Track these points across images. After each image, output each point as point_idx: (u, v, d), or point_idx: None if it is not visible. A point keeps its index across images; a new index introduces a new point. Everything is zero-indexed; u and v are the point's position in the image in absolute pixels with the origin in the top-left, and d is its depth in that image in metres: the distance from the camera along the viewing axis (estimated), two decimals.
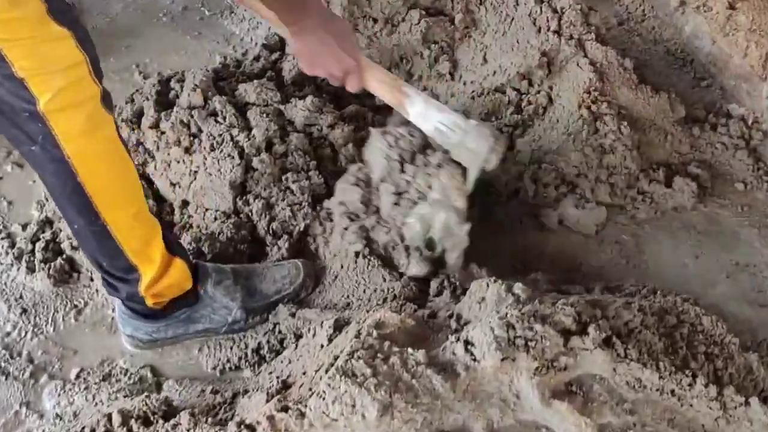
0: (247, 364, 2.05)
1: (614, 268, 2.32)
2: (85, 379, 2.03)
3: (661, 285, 2.21)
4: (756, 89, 2.71)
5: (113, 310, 2.11)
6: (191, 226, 2.31)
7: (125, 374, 2.03)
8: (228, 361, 2.06)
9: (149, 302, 1.96)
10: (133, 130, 2.47)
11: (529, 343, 1.71)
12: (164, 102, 2.55)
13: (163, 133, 2.42)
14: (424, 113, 2.14)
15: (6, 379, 2.03)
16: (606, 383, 1.76)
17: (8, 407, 1.99)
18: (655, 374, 1.76)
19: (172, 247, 1.95)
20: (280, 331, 2.09)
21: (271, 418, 1.62)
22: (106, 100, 1.71)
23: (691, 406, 1.77)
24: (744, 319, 2.16)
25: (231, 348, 2.09)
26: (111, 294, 2.02)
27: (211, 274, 2.06)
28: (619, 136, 2.44)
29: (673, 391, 1.76)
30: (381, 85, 2.16)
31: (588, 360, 1.75)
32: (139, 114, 2.52)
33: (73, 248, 2.25)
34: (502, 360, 1.69)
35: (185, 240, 2.23)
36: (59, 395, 1.99)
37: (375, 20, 2.77)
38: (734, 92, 2.80)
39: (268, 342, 2.08)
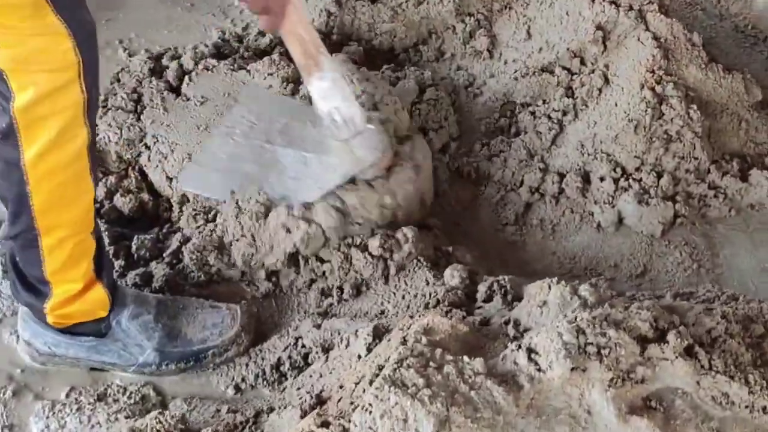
0: (265, 382, 2.08)
1: (684, 274, 2.35)
2: (77, 399, 2.04)
3: (740, 292, 2.20)
4: None
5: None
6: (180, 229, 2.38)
7: (124, 393, 2.05)
8: (243, 380, 2.10)
9: (50, 320, 1.97)
10: (130, 114, 2.55)
11: (602, 351, 1.75)
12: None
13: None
14: (326, 93, 2.19)
15: None
16: (689, 398, 1.79)
17: None
18: (744, 388, 1.78)
19: (101, 271, 1.97)
20: (303, 345, 2.12)
21: None
22: (91, 109, 1.74)
23: None
24: None
25: (246, 365, 2.12)
26: (12, 293, 2.03)
27: (129, 305, 2.05)
28: (688, 122, 2.48)
29: (765, 408, 1.79)
30: (297, 42, 2.18)
31: (668, 371, 1.78)
32: (137, 99, 2.59)
33: None
34: (572, 370, 1.73)
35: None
36: (48, 417, 2.01)
37: None
38: None
39: (289, 357, 2.10)
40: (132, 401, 2.04)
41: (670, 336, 1.81)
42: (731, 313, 2.00)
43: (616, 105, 2.55)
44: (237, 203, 2.23)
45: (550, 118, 2.59)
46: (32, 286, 1.93)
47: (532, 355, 1.78)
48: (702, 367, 1.81)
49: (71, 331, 2.02)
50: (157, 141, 2.49)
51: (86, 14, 1.70)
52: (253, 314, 2.20)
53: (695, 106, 2.52)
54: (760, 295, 2.21)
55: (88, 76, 1.68)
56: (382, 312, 2.17)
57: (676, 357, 1.80)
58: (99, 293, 1.97)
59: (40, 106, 1.65)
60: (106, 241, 2.28)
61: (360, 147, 2.18)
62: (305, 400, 1.87)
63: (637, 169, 2.47)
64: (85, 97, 1.69)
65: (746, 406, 1.80)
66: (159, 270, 2.25)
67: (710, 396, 1.80)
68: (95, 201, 2.35)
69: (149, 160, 2.47)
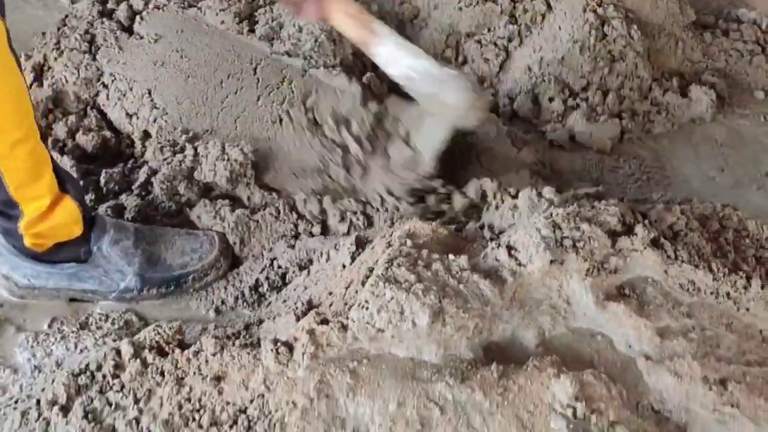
0: (245, 303, 2.14)
1: (635, 185, 2.45)
2: (59, 328, 2.07)
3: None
4: None
5: None
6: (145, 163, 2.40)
7: (106, 320, 2.08)
8: (223, 302, 2.15)
9: (28, 241, 1.98)
10: (85, 54, 2.56)
11: (578, 244, 1.84)
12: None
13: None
14: (393, 56, 2.18)
15: None
16: (659, 286, 1.89)
17: None
18: (709, 276, 1.90)
19: (65, 184, 1.96)
20: (279, 266, 2.18)
21: (311, 332, 1.71)
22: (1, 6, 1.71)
23: (747, 310, 1.90)
24: None
25: (225, 288, 2.17)
26: None
27: (109, 230, 2.06)
28: (630, 42, 2.57)
29: (728, 294, 1.90)
30: (346, 19, 2.17)
31: (638, 261, 1.89)
32: (90, 39, 2.61)
33: None
34: (551, 263, 1.82)
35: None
36: (33, 347, 2.04)
37: None
38: None
39: (267, 278, 2.16)
40: (116, 326, 2.07)
41: (638, 229, 1.90)
42: (689, 210, 2.11)
43: (560, 28, 2.62)
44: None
45: (496, 45, 2.66)
46: (2, 212, 1.93)
47: (512, 252, 1.85)
48: (668, 257, 1.90)
49: (52, 259, 2.03)
50: (115, 79, 2.50)
51: None
52: (229, 242, 2.23)
53: (635, 28, 2.60)
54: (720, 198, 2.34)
55: None
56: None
57: (645, 248, 1.89)
58: (69, 205, 1.97)
59: None
60: (75, 176, 2.31)
61: (450, 94, 2.13)
62: (297, 307, 1.94)
63: (584, 89, 2.55)
64: None
65: (711, 293, 1.90)
66: (130, 201, 2.28)
67: (678, 284, 1.89)
68: (58, 140, 2.39)
69: (108, 98, 2.49)
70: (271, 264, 2.20)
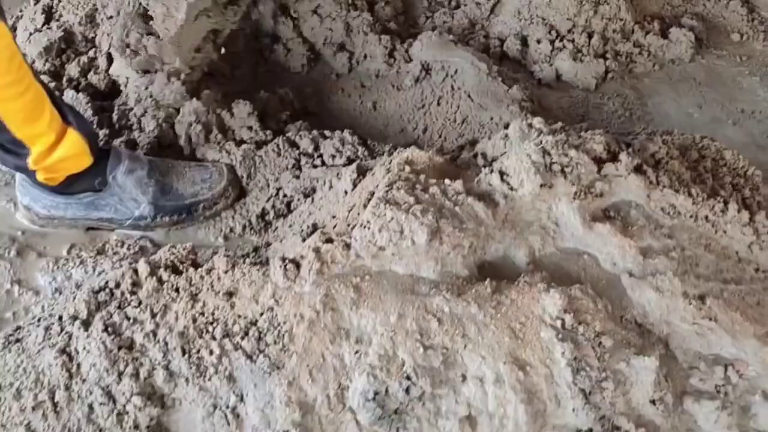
0: (252, 231, 2.16)
1: (618, 121, 2.47)
2: (78, 254, 2.10)
3: None
4: None
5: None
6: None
7: (122, 246, 2.11)
8: (231, 230, 2.17)
9: (40, 176, 2.00)
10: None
11: (566, 169, 1.86)
12: None
13: None
14: None
15: None
16: (642, 209, 1.92)
17: None
18: (689, 200, 1.92)
19: (67, 116, 1.97)
20: (285, 195, 2.19)
21: (317, 250, 1.74)
22: None
23: (725, 232, 1.93)
24: (757, 162, 2.30)
25: (233, 217, 2.19)
26: (3, 165, 2.06)
27: (124, 161, 2.08)
28: None
29: (707, 217, 1.93)
30: None
31: (622, 186, 1.91)
32: None
33: None
34: (541, 186, 1.84)
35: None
36: (53, 271, 2.07)
37: None
38: None
39: (273, 207, 2.18)
40: (132, 251, 2.10)
41: (622, 156, 1.92)
42: (670, 141, 2.13)
43: None
44: None
45: None
46: (10, 150, 1.94)
47: (504, 177, 1.87)
48: (651, 182, 1.92)
49: (68, 191, 2.05)
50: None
51: None
52: (237, 173, 2.24)
53: None
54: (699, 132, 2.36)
55: None
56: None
57: (629, 174, 1.91)
58: (73, 138, 1.96)
59: None
60: (89, 113, 2.32)
61: None
62: (303, 230, 1.96)
63: (570, 31, 2.56)
64: None
65: (691, 216, 1.92)
66: (142, 138, 2.28)
67: (659, 207, 1.91)
68: (72, 79, 2.39)
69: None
70: (277, 193, 2.21)
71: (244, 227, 2.18)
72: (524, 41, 2.57)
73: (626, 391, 1.74)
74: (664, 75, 2.59)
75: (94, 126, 2.28)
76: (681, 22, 2.67)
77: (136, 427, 1.67)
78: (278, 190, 2.21)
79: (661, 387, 1.74)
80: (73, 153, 1.99)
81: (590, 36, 2.56)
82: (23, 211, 2.12)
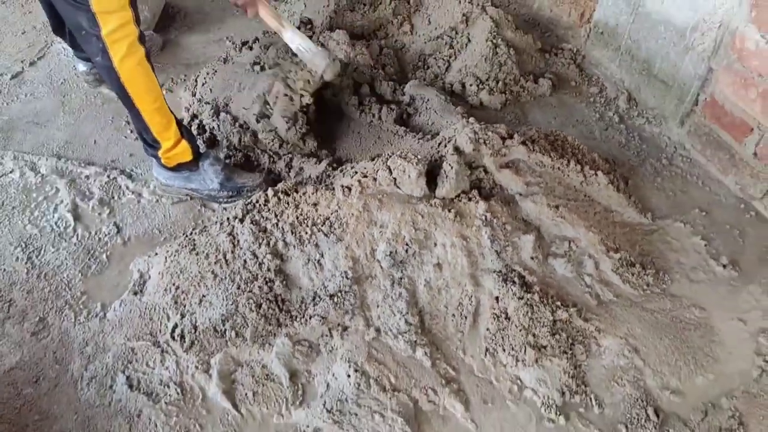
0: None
1: (513, 125, 2.42)
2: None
3: (542, 126, 2.31)
4: (576, 34, 2.87)
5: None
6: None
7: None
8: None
9: (164, 162, 1.92)
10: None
11: (486, 141, 1.90)
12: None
13: None
14: (291, 38, 2.11)
15: None
16: (525, 163, 1.95)
17: None
18: (549, 159, 1.96)
19: (183, 133, 1.89)
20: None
21: (359, 181, 1.78)
22: (141, 38, 1.65)
23: (568, 175, 1.98)
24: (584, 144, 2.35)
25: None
26: (146, 152, 1.95)
27: (210, 157, 1.97)
28: (509, 57, 2.56)
29: (559, 168, 1.97)
30: (268, 18, 2.09)
31: (515, 151, 1.94)
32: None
33: None
34: (473, 150, 1.88)
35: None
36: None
37: (364, 4, 2.82)
38: (564, 37, 2.93)
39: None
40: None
41: (515, 136, 1.94)
42: (540, 131, 2.10)
43: (474, 50, 2.60)
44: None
45: (443, 59, 2.65)
46: (152, 145, 1.89)
47: (456, 147, 1.90)
48: (530, 149, 1.96)
49: (177, 169, 1.97)
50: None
51: None
52: (268, 179, 2.07)
53: (512, 50, 2.59)
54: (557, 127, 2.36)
55: (136, 20, 1.63)
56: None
57: (518, 145, 1.94)
58: (184, 146, 1.90)
59: (115, 33, 1.60)
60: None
61: (318, 60, 2.11)
62: (349, 174, 1.97)
63: (486, 79, 2.55)
64: (137, 31, 1.64)
65: (550, 167, 1.94)
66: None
67: (534, 162, 1.96)
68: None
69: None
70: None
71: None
72: (463, 85, 2.57)
73: (518, 252, 1.78)
74: (536, 103, 2.57)
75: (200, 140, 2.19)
76: (544, 75, 2.67)
77: (268, 269, 1.71)
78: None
79: (536, 251, 1.79)
80: (182, 152, 1.92)
81: (497, 82, 2.56)
82: (155, 177, 2.02)
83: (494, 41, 2.61)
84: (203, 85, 2.35)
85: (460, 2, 2.76)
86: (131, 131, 2.29)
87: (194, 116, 2.29)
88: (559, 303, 1.70)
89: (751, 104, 2.04)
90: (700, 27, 2.13)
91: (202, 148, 2.14)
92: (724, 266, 1.89)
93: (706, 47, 2.13)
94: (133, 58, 1.65)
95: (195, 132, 2.23)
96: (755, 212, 2.11)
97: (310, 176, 2.04)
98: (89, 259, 1.88)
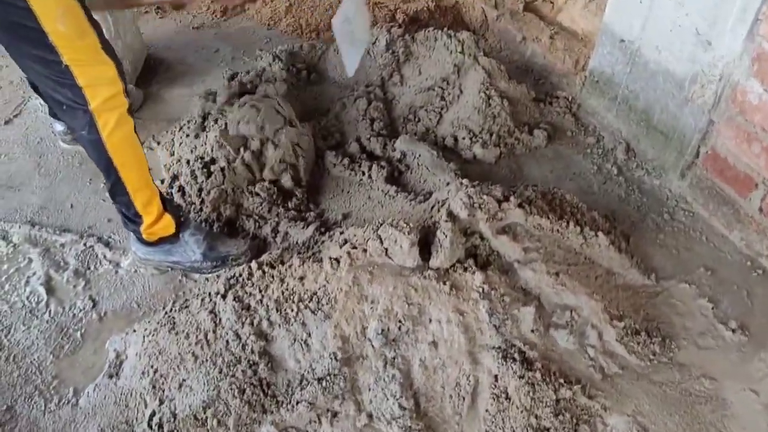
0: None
1: (508, 180, 2.42)
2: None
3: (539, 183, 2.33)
4: (571, 81, 2.87)
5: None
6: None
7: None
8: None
9: (145, 237, 1.88)
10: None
11: (481, 206, 1.86)
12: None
13: None
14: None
15: None
16: (523, 227, 1.91)
17: None
18: (548, 221, 1.92)
19: (166, 206, 1.87)
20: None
21: (348, 253, 1.74)
22: (130, 110, 1.64)
23: (567, 238, 1.94)
24: (583, 201, 2.28)
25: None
26: (125, 227, 1.92)
27: (190, 227, 1.94)
28: (503, 108, 2.55)
29: (558, 230, 1.94)
30: None
31: (512, 215, 1.91)
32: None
33: None
34: (468, 215, 1.85)
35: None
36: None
37: None
38: (559, 85, 2.93)
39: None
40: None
41: (512, 198, 1.91)
42: (537, 190, 2.08)
43: (467, 102, 2.60)
44: None
45: (435, 111, 2.64)
46: (133, 220, 1.85)
47: (449, 213, 1.87)
48: (527, 212, 1.92)
49: (157, 243, 1.93)
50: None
51: (116, 54, 1.60)
52: (253, 245, 2.04)
53: (506, 101, 2.59)
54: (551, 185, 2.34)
55: (125, 91, 1.61)
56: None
57: (515, 208, 1.89)
58: (167, 220, 1.88)
59: (104, 105, 1.58)
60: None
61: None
62: (338, 242, 1.93)
63: (480, 132, 2.53)
64: (127, 102, 1.62)
65: (549, 230, 1.92)
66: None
67: (532, 225, 1.91)
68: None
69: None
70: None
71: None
72: (455, 138, 2.55)
73: (518, 325, 1.74)
74: (531, 155, 2.55)
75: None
76: (539, 126, 2.66)
77: (252, 351, 1.67)
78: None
79: (537, 322, 1.75)
80: (165, 226, 1.89)
81: (491, 135, 2.54)
82: (133, 252, 1.97)
83: (487, 92, 2.61)
84: (180, 144, 2.32)
85: (451, 52, 2.77)
86: None
87: (175, 177, 2.24)
88: (562, 380, 1.64)
89: (755, 159, 2.02)
90: (700, 79, 2.11)
91: (183, 215, 2.09)
92: (733, 331, 1.84)
93: (707, 100, 2.12)
94: (122, 130, 1.63)
95: (176, 193, 2.18)
96: (762, 270, 2.07)
97: (296, 242, 1.99)
98: (62, 338, 1.81)
